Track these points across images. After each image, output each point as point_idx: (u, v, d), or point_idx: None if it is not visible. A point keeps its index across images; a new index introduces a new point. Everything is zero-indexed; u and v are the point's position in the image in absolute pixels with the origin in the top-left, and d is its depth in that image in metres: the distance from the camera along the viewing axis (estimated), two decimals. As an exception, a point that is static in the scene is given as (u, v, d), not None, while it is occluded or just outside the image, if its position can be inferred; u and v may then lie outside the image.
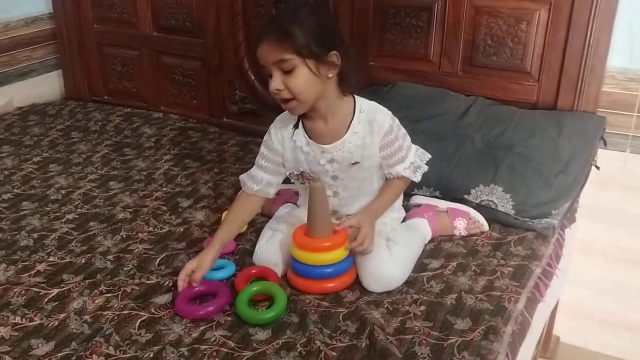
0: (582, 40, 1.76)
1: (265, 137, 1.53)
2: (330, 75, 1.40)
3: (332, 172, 1.49)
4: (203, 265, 1.41)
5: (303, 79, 1.36)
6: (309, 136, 1.48)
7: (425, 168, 1.53)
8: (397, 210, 1.63)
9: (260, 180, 1.52)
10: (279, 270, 1.48)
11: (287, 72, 1.35)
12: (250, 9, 2.23)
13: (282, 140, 1.50)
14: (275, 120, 1.53)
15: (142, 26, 2.47)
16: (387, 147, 1.47)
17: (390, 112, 1.50)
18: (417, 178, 1.52)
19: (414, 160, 1.51)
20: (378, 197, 1.52)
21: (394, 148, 1.48)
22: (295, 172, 1.52)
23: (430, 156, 1.55)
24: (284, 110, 1.46)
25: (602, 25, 1.73)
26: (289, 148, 1.50)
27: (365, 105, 1.48)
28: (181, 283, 1.39)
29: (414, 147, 1.53)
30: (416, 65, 2.01)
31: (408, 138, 1.52)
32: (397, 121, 1.50)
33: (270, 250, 1.50)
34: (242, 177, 1.56)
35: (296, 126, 1.49)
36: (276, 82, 1.36)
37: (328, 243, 1.41)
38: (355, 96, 1.48)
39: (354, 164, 1.47)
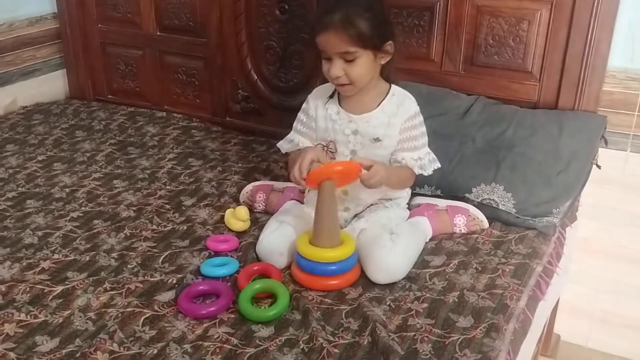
0: (583, 39, 1.77)
1: (304, 104, 1.64)
2: (383, 62, 1.50)
3: (354, 145, 1.56)
4: (316, 151, 1.47)
5: (363, 68, 1.46)
6: (341, 106, 1.56)
7: (430, 171, 1.58)
8: (403, 208, 1.66)
9: (297, 143, 1.63)
10: (283, 260, 1.50)
11: (349, 61, 1.44)
12: (252, 9, 2.24)
13: (317, 107, 1.60)
14: (314, 90, 1.64)
15: (145, 26, 2.49)
16: (405, 132, 1.54)
17: (418, 106, 1.58)
18: (417, 171, 1.56)
19: (422, 157, 1.56)
20: (390, 167, 1.55)
21: (410, 135, 1.55)
22: (323, 143, 1.59)
23: (439, 166, 1.60)
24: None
25: (603, 24, 1.74)
26: (322, 116, 1.59)
27: (398, 91, 1.58)
28: (300, 172, 1.42)
29: (428, 149, 1.59)
30: (418, 65, 2.01)
31: (426, 138, 1.59)
32: (422, 117, 1.58)
33: (275, 240, 1.52)
34: (279, 143, 1.67)
35: (332, 96, 1.58)
36: (337, 70, 1.45)
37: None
38: (392, 84, 1.57)
39: (375, 140, 1.54)
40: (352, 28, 1.40)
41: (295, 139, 1.65)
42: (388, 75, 1.57)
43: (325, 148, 1.59)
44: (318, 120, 1.60)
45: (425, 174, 1.57)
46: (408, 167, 1.56)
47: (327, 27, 1.42)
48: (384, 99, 1.55)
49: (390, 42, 1.49)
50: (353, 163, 1.48)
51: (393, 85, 1.58)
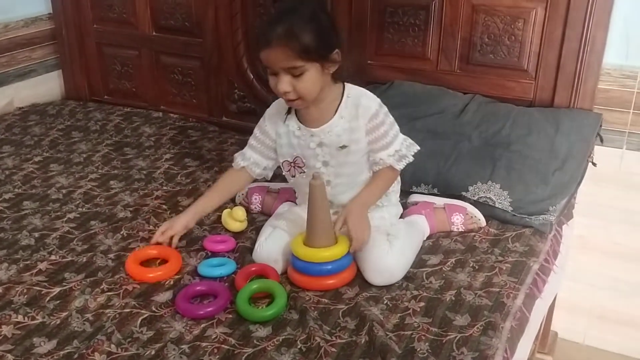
0: (578, 37, 1.77)
1: (260, 120, 1.60)
2: (331, 71, 1.44)
3: (323, 156, 1.52)
4: (173, 227, 1.54)
5: (311, 81, 1.40)
6: (300, 121, 1.52)
7: (411, 158, 1.53)
8: (394, 205, 1.65)
9: (248, 158, 1.60)
10: (279, 266, 1.50)
11: (296, 76, 1.38)
12: (248, 9, 2.24)
13: (276, 124, 1.56)
14: (271, 105, 1.59)
15: (141, 26, 2.48)
16: (373, 132, 1.49)
17: (377, 99, 1.52)
18: (399, 166, 1.52)
19: (399, 149, 1.51)
20: (365, 187, 1.53)
21: (380, 133, 1.49)
22: (289, 160, 1.56)
23: (418, 148, 1.55)
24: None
25: (598, 22, 1.74)
26: (283, 133, 1.55)
27: (353, 91, 1.51)
28: (153, 240, 1.54)
29: (402, 136, 1.53)
30: (414, 64, 2.02)
31: (396, 127, 1.52)
32: (385, 108, 1.51)
33: (270, 246, 1.51)
34: (235, 155, 1.64)
35: (289, 112, 1.53)
36: (285, 85, 1.39)
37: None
38: (346, 83, 1.51)
39: (342, 147, 1.50)
40: (297, 42, 1.34)
41: (246, 154, 1.61)
42: (340, 76, 1.48)
43: (293, 165, 1.56)
44: (280, 137, 1.55)
45: (406, 162, 1.51)
46: (384, 169, 1.51)
47: (270, 42, 1.35)
48: (339, 103, 1.49)
49: (337, 50, 1.41)
50: (168, 249, 1.53)
51: (347, 86, 1.51)
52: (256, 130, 1.60)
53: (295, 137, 1.53)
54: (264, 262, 1.50)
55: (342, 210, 1.49)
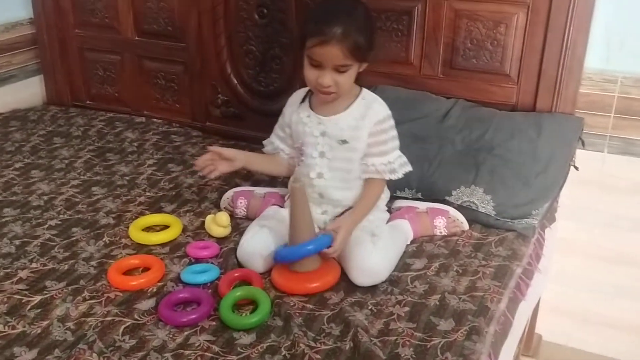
0: (559, 42, 1.79)
1: (284, 108, 1.68)
2: (362, 69, 1.51)
3: (322, 146, 1.57)
4: (223, 149, 1.63)
5: (350, 78, 1.49)
6: (312, 108, 1.59)
7: (400, 175, 1.58)
8: (382, 210, 1.67)
9: (272, 143, 1.71)
10: (264, 264, 1.50)
11: (340, 72, 1.45)
12: (232, 13, 2.24)
13: (292, 113, 1.63)
14: (293, 94, 1.67)
15: (123, 31, 2.47)
16: (374, 136, 1.54)
17: (389, 110, 1.58)
18: (387, 176, 1.56)
19: (392, 161, 1.56)
20: (358, 204, 1.56)
21: (379, 139, 1.55)
22: (297, 146, 1.62)
23: (411, 169, 1.61)
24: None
25: (579, 27, 1.76)
26: (295, 121, 1.62)
27: (369, 95, 1.59)
28: (203, 161, 1.61)
29: (399, 153, 1.58)
30: (397, 69, 2.02)
31: (396, 142, 1.58)
32: (392, 121, 1.58)
33: (257, 243, 1.52)
34: (264, 141, 1.74)
35: (303, 100, 1.61)
36: (329, 80, 1.46)
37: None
38: (363, 87, 1.59)
39: (342, 142, 1.54)
40: (353, 43, 1.42)
41: (274, 142, 1.71)
42: (360, 78, 1.56)
43: (298, 151, 1.62)
44: (292, 125, 1.63)
45: (395, 177, 1.57)
46: (373, 185, 1.57)
47: (328, 40, 1.41)
48: (353, 101, 1.56)
49: (374, 51, 1.51)
50: (151, 257, 1.54)
51: (364, 89, 1.59)
52: (280, 118, 1.69)
53: (302, 124, 1.59)
54: (248, 258, 1.51)
55: (336, 220, 1.54)
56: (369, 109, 1.55)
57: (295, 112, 1.62)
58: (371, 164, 1.55)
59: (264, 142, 1.74)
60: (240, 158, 1.65)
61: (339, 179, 1.57)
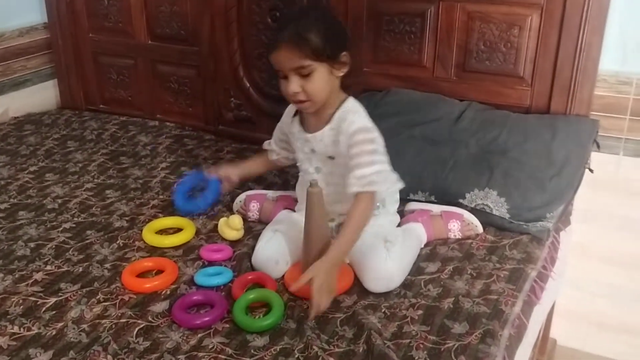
0: (574, 44, 1.77)
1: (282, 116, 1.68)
2: (340, 74, 1.47)
3: (316, 162, 1.56)
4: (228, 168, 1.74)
5: (320, 82, 1.43)
6: (301, 124, 1.57)
7: (383, 189, 1.46)
8: (392, 213, 1.66)
9: (268, 144, 1.75)
10: (279, 269, 1.49)
11: (305, 76, 1.41)
12: (244, 17, 2.24)
13: (288, 124, 1.63)
14: (290, 105, 1.62)
15: (137, 35, 2.48)
16: (350, 149, 1.46)
17: (368, 122, 1.48)
18: (364, 188, 1.42)
19: (367, 175, 1.42)
20: (336, 239, 1.43)
21: (355, 151, 1.44)
22: (295, 162, 1.65)
23: (401, 186, 1.51)
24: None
25: (594, 28, 1.75)
26: (289, 133, 1.63)
27: (349, 105, 1.51)
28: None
29: (380, 168, 1.44)
30: (410, 71, 2.02)
31: (377, 156, 1.45)
32: (371, 134, 1.46)
33: (271, 248, 1.51)
34: (264, 143, 1.77)
35: (295, 114, 1.59)
36: (294, 86, 1.42)
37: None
38: (350, 97, 1.53)
39: (330, 157, 1.53)
40: (303, 42, 1.38)
41: (271, 141, 1.74)
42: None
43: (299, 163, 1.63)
44: (289, 136, 1.64)
45: (373, 187, 1.43)
46: (357, 200, 1.42)
47: (279, 45, 1.40)
48: (334, 113, 1.49)
49: (345, 52, 1.44)
50: (164, 260, 1.55)
51: (348, 99, 1.51)
52: (279, 123, 1.70)
53: (294, 139, 1.60)
54: (263, 264, 1.50)
55: (312, 265, 1.38)
56: (343, 121, 1.47)
57: (288, 124, 1.62)
58: (351, 176, 1.44)
59: (264, 143, 1.76)
60: (234, 172, 1.73)
61: (336, 192, 1.53)
